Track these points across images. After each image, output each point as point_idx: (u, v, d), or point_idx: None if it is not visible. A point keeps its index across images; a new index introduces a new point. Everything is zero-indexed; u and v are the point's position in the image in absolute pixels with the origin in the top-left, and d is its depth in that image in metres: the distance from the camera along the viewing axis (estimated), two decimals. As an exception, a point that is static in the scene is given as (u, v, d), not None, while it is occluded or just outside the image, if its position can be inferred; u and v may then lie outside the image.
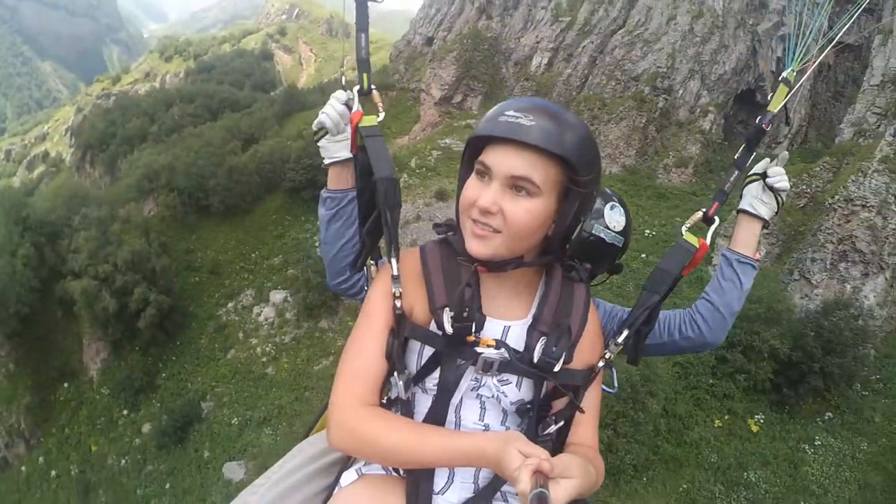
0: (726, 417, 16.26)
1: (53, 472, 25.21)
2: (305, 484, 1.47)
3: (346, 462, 1.46)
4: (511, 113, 1.20)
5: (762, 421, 16.36)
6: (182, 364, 25.55)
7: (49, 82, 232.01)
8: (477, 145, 1.27)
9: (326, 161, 1.62)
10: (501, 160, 1.20)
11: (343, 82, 1.62)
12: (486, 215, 1.21)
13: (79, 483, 23.92)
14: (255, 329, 25.55)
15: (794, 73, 1.78)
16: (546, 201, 1.22)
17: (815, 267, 20.77)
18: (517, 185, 1.20)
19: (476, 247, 1.24)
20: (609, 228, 1.83)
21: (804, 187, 23.00)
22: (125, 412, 25.09)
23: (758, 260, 1.81)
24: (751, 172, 1.80)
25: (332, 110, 1.57)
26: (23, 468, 26.27)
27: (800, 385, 16.38)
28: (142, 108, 57.11)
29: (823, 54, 2.03)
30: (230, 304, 27.08)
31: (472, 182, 1.26)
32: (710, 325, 1.78)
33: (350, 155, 1.59)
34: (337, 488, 1.37)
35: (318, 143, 1.62)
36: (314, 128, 1.61)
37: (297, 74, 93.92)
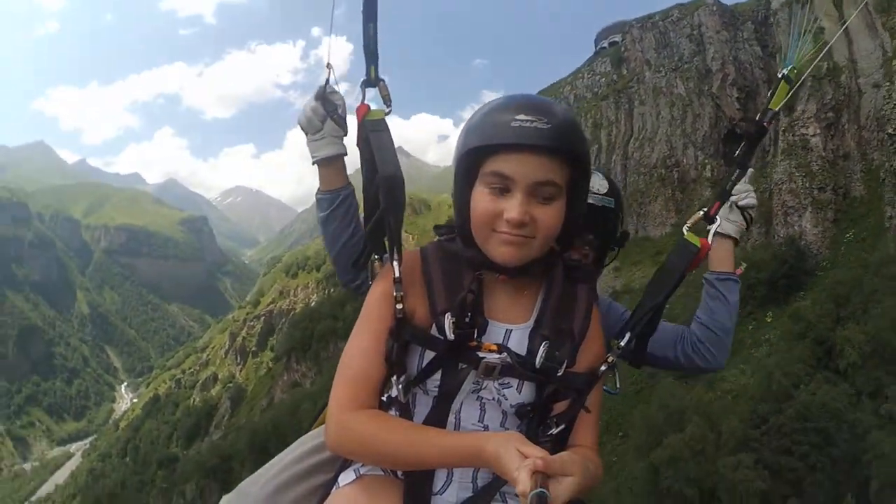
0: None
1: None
2: (305, 478, 1.47)
3: (346, 459, 1.38)
4: (523, 117, 1.12)
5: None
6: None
7: (179, 321, 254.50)
8: (478, 152, 1.17)
9: (312, 161, 1.58)
10: (522, 168, 1.13)
11: (332, 81, 1.52)
12: (520, 227, 1.15)
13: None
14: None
15: (795, 71, 1.71)
16: (564, 198, 1.19)
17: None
18: (540, 190, 1.15)
19: (509, 253, 1.18)
20: (595, 193, 1.81)
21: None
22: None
23: (739, 274, 1.79)
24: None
25: (305, 107, 1.55)
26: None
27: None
28: (323, 312, 72.70)
29: (823, 52, 2.08)
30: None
31: (485, 194, 1.18)
32: (711, 349, 1.76)
33: (332, 153, 1.56)
34: (335, 487, 1.34)
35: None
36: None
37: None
